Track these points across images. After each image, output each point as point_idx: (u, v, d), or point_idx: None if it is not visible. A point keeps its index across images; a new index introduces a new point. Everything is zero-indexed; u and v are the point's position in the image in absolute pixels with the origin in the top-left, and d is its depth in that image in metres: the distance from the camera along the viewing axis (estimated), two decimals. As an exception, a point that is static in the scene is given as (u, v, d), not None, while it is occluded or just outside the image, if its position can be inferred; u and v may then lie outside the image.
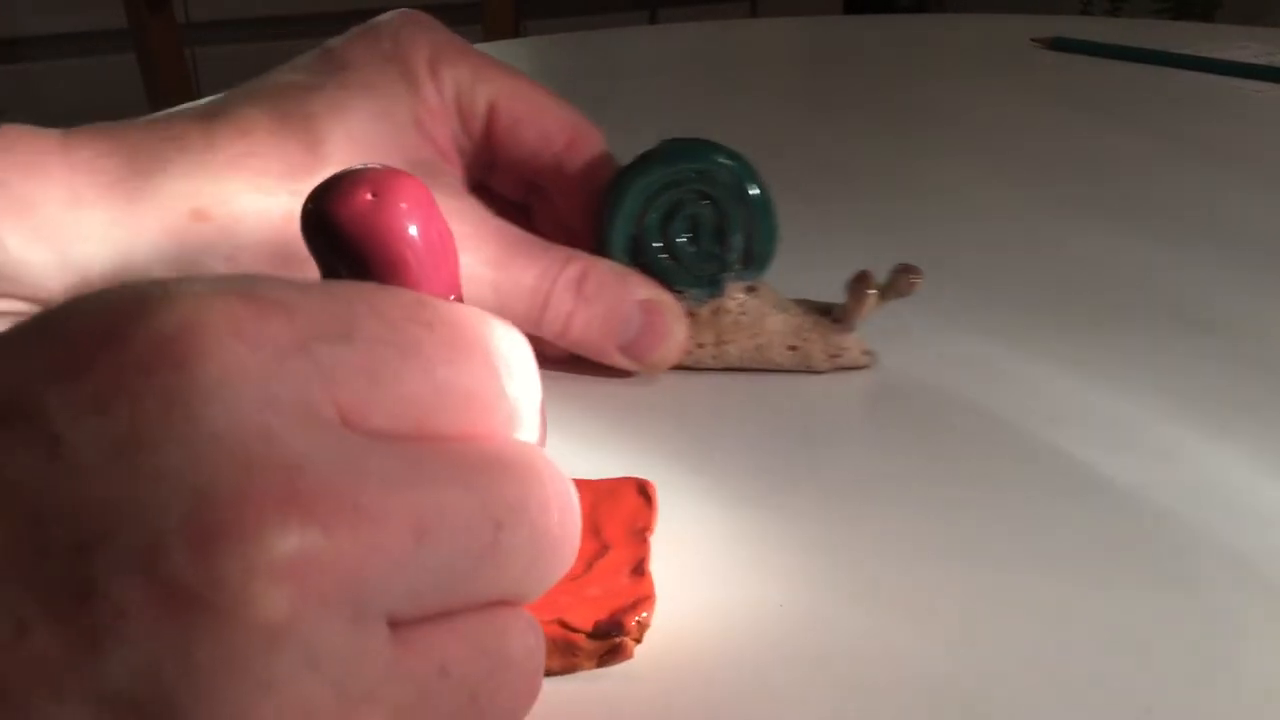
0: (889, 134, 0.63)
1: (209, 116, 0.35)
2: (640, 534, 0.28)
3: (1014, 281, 0.44)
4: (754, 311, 0.36)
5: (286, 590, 0.15)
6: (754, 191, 0.35)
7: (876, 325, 0.40)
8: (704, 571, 0.28)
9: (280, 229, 0.34)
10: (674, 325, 0.36)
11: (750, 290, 0.36)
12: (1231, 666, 0.25)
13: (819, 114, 0.69)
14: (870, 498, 0.31)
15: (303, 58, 0.38)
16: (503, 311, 0.35)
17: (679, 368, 0.37)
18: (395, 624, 0.17)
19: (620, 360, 0.36)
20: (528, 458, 0.19)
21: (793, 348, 0.36)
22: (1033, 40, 0.80)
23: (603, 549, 0.27)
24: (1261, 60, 0.72)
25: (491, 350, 0.19)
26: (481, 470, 0.18)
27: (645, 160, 0.35)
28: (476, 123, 0.38)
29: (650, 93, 0.76)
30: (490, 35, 1.29)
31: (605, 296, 0.35)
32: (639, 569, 0.26)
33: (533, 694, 0.20)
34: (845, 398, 0.36)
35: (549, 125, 0.38)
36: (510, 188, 0.40)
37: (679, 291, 0.36)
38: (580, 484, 0.28)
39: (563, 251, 0.36)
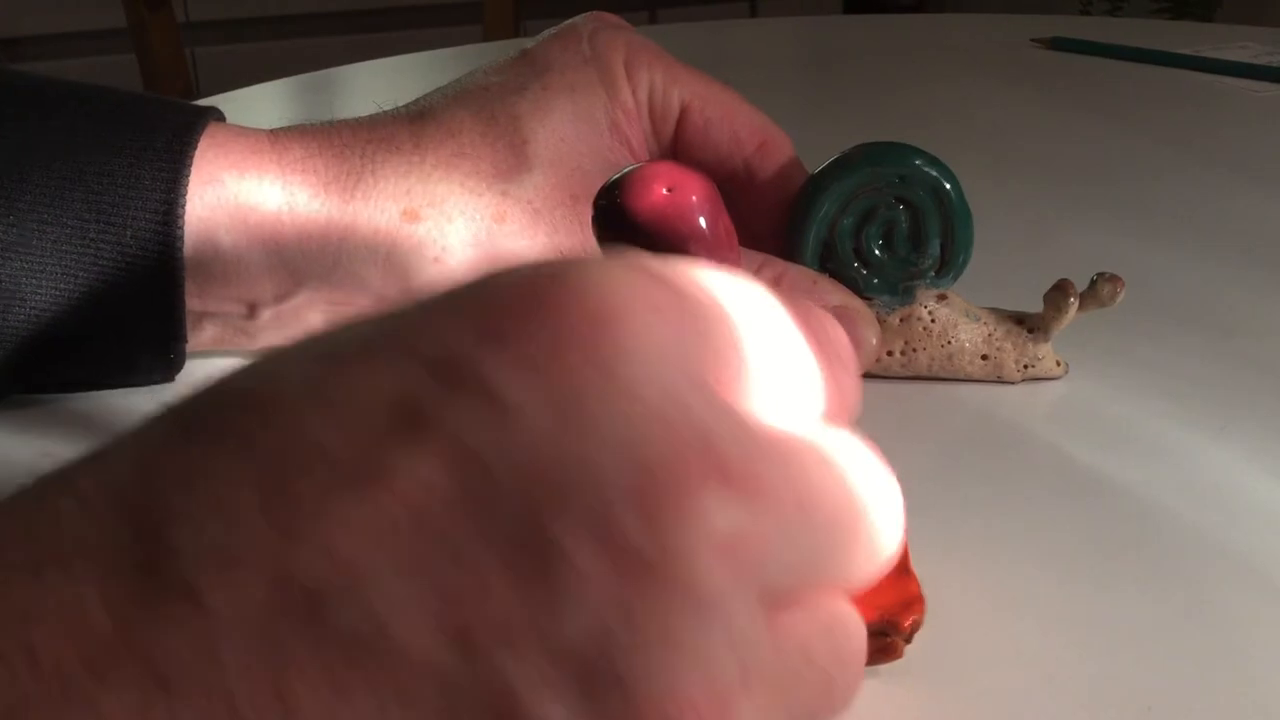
0: (888, 134, 0.63)
1: (417, 118, 0.36)
2: None
3: (1013, 281, 0.44)
4: (944, 320, 0.35)
5: (725, 565, 0.15)
6: (955, 198, 0.35)
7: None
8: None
9: (489, 228, 0.35)
10: (866, 332, 0.35)
11: (941, 298, 0.36)
12: (1232, 666, 0.25)
13: (819, 114, 0.69)
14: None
15: (502, 60, 0.38)
16: None
17: (868, 375, 0.36)
18: (768, 606, 0.17)
19: None
20: (868, 450, 0.19)
21: (985, 357, 0.36)
22: (1033, 40, 0.80)
23: None
24: (1261, 60, 0.72)
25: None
26: (844, 454, 0.18)
27: (844, 163, 0.35)
28: (668, 124, 0.38)
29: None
30: (490, 35, 1.28)
31: (799, 300, 0.35)
32: (904, 568, 0.26)
33: (861, 680, 0.20)
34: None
35: (740, 128, 0.38)
36: None
37: (868, 298, 0.36)
38: None
39: (757, 256, 0.35)
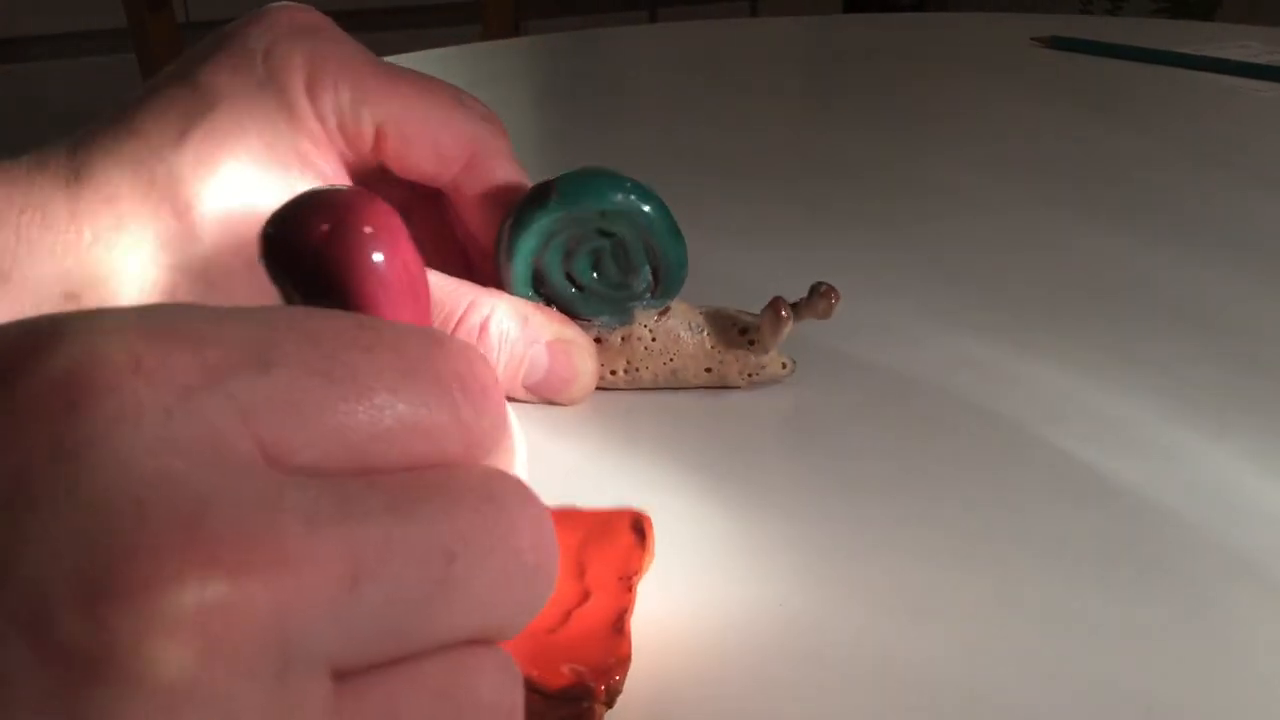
0: (889, 133, 0.63)
1: (74, 179, 0.32)
2: (628, 580, 0.26)
3: (1014, 281, 0.44)
4: (665, 337, 0.35)
5: (189, 647, 0.14)
6: (659, 226, 0.34)
7: (876, 323, 0.40)
8: (703, 571, 0.28)
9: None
10: (581, 363, 0.35)
11: (663, 314, 0.35)
12: (1232, 666, 0.25)
13: (819, 114, 0.69)
14: (870, 498, 0.31)
15: (163, 96, 0.33)
16: None
17: (609, 389, 0.36)
18: (342, 674, 0.16)
19: (529, 398, 0.35)
20: (486, 485, 0.18)
21: (708, 370, 0.36)
22: (1033, 39, 0.80)
23: (584, 596, 0.26)
24: (1261, 59, 0.72)
25: (442, 372, 0.18)
26: (427, 499, 0.17)
27: (542, 199, 0.33)
28: (365, 146, 0.35)
29: (650, 93, 0.76)
30: (490, 35, 1.29)
31: (508, 342, 0.34)
32: (619, 625, 0.25)
33: None
34: (846, 398, 0.36)
35: (444, 143, 0.35)
36: (405, 198, 0.38)
37: (586, 321, 0.35)
38: (571, 515, 0.28)
39: (465, 296, 0.34)
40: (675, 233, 0.34)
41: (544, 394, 0.35)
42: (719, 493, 0.31)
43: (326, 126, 0.34)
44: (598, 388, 0.36)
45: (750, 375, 0.36)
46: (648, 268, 0.35)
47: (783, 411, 0.36)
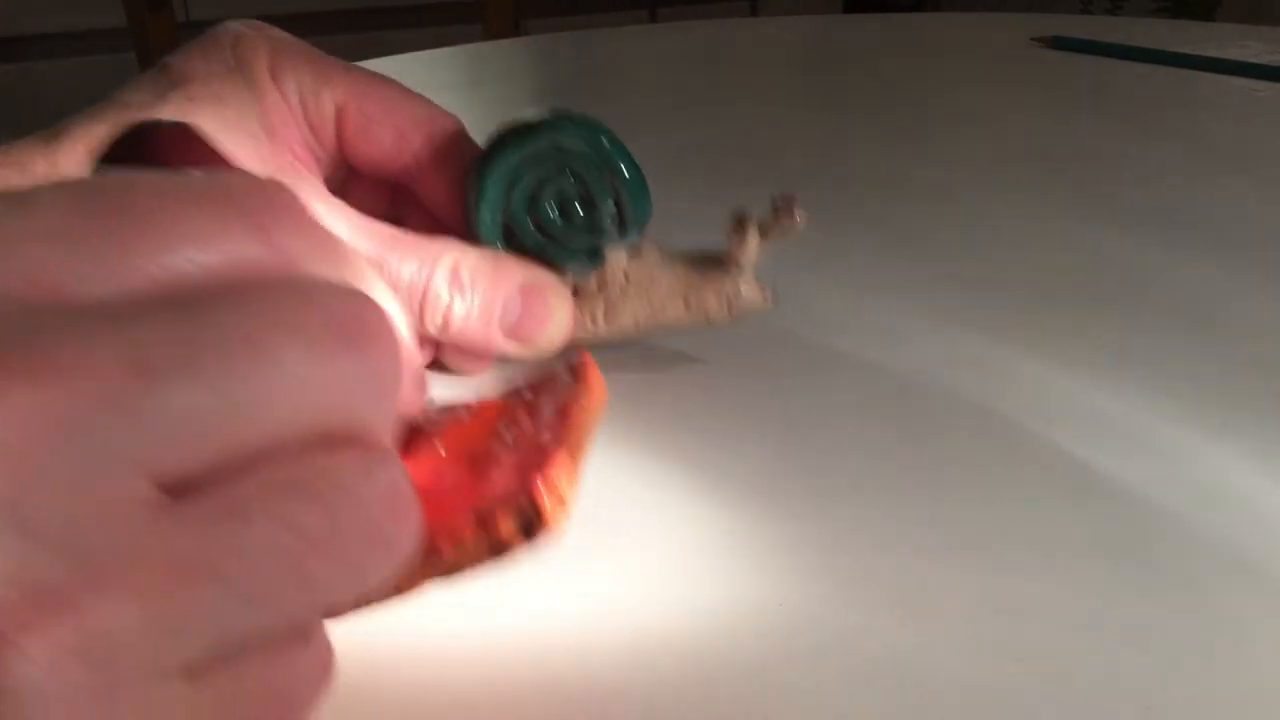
0: (889, 133, 0.63)
1: (52, 139, 0.33)
2: (562, 413, 0.25)
3: (1014, 281, 0.44)
4: (640, 275, 0.36)
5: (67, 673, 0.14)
6: (614, 154, 0.34)
7: (876, 323, 0.40)
8: (703, 571, 0.28)
9: None
10: (556, 305, 0.35)
11: (634, 254, 0.36)
12: (1232, 666, 0.25)
13: (819, 114, 0.69)
14: (870, 498, 0.31)
15: (143, 77, 0.36)
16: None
17: (581, 343, 0.36)
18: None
19: (507, 346, 0.35)
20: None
21: (686, 302, 0.36)
22: (1033, 39, 0.80)
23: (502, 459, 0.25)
24: (1262, 59, 0.72)
25: (234, 197, 0.18)
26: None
27: (498, 145, 0.34)
28: (326, 126, 0.36)
29: (650, 93, 0.76)
30: (490, 35, 1.29)
31: (481, 286, 0.35)
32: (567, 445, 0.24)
33: (323, 695, 0.19)
34: (845, 398, 0.36)
35: (403, 121, 0.36)
36: (374, 200, 0.39)
37: (560, 268, 0.36)
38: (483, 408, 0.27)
39: (438, 244, 0.35)
40: (633, 164, 0.35)
41: (521, 338, 0.35)
42: (718, 493, 0.31)
43: (290, 105, 0.35)
44: (581, 340, 0.36)
45: (730, 304, 0.36)
46: (610, 201, 0.35)
47: (782, 411, 0.36)
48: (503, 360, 0.36)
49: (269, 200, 0.18)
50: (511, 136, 0.34)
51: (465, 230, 0.36)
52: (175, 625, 0.15)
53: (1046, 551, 0.29)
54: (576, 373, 0.27)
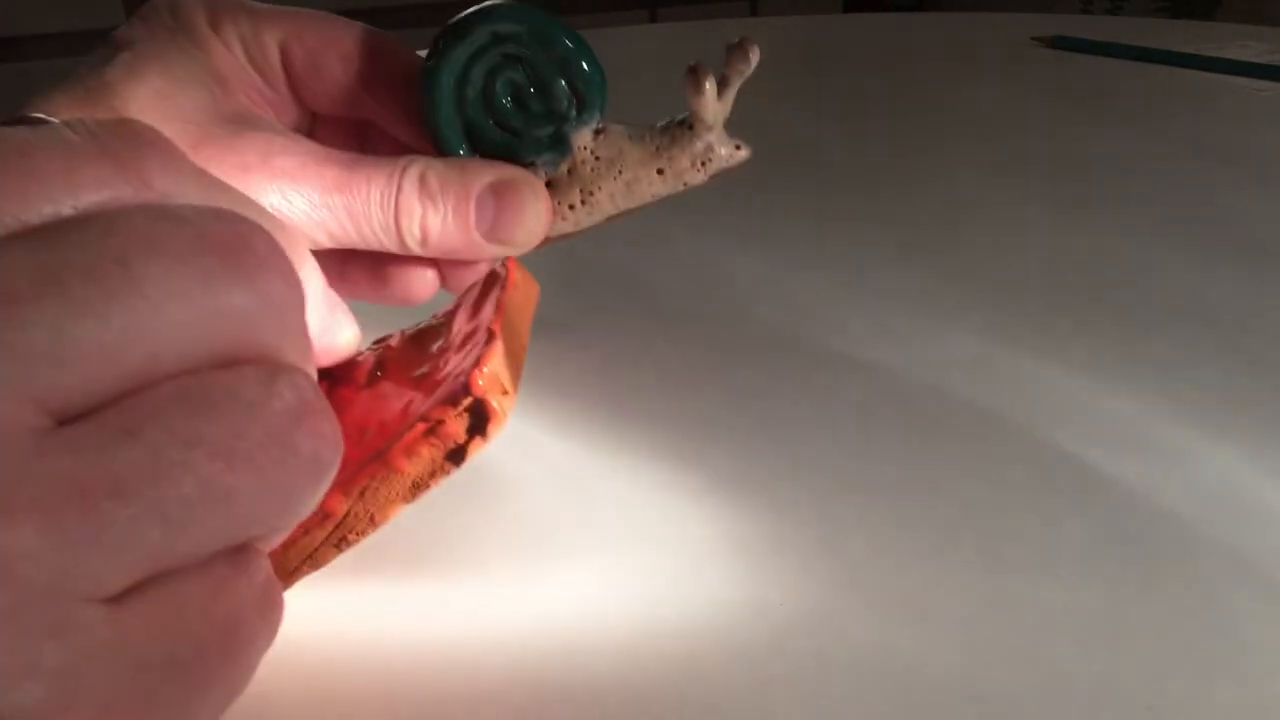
0: (889, 133, 0.63)
1: (12, 116, 0.33)
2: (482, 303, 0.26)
3: (1014, 281, 0.44)
4: (608, 152, 0.35)
5: None
6: (555, 35, 0.34)
7: (876, 323, 0.40)
8: (704, 571, 0.28)
9: None
10: (529, 198, 0.35)
11: (599, 134, 0.35)
12: (1232, 665, 0.25)
13: (819, 114, 0.69)
14: (870, 498, 0.31)
15: (94, 52, 0.36)
16: (365, 237, 0.33)
17: (565, 237, 0.35)
18: (116, 594, 0.16)
19: (491, 250, 0.35)
20: (224, 383, 0.17)
21: (660, 171, 0.35)
22: (1033, 39, 0.80)
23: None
24: (1261, 59, 0.72)
25: (202, 247, 0.17)
26: (154, 416, 0.16)
27: (439, 49, 0.34)
28: (273, 68, 0.36)
29: (650, 93, 0.76)
30: (490, 35, 1.28)
31: (451, 190, 0.35)
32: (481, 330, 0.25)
33: (270, 631, 0.18)
34: (845, 398, 0.36)
35: (347, 48, 0.36)
36: (343, 143, 0.38)
37: (529, 163, 0.35)
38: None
39: (402, 159, 0.35)
40: (579, 41, 0.34)
41: (501, 238, 0.35)
42: (717, 493, 0.31)
43: (234, 54, 0.35)
44: (563, 230, 0.36)
45: (703, 164, 0.35)
46: (561, 82, 0.35)
47: (781, 411, 0.36)
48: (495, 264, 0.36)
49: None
50: (449, 37, 0.34)
51: (434, 150, 0.36)
52: (83, 546, 0.15)
53: (1047, 551, 0.29)
54: (505, 270, 0.28)
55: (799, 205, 0.52)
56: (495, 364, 0.24)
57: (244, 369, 0.17)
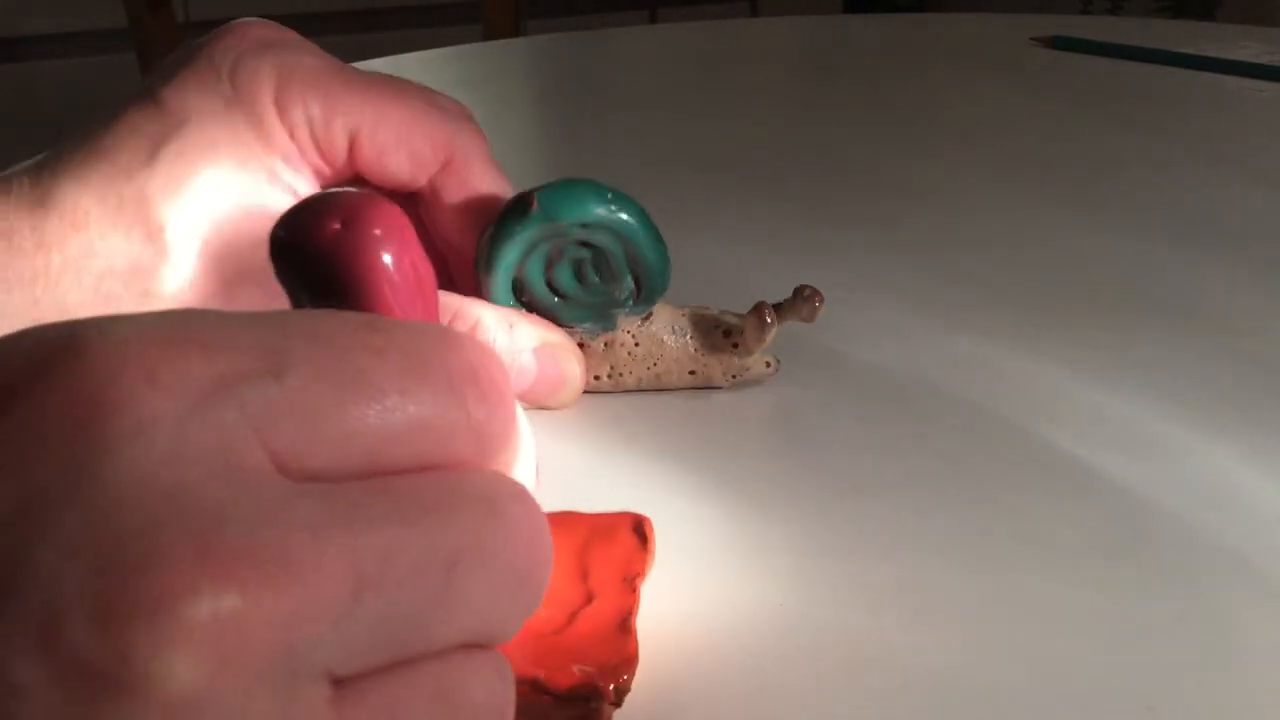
0: (888, 134, 0.63)
1: (38, 205, 0.31)
2: (631, 582, 0.26)
3: (1014, 281, 0.44)
4: (649, 341, 0.35)
5: (202, 660, 0.14)
6: (641, 234, 0.33)
7: (874, 323, 0.40)
8: (705, 572, 0.28)
9: None
10: (569, 368, 0.35)
11: (645, 318, 0.35)
12: (1232, 666, 0.25)
13: (819, 114, 0.69)
14: (870, 498, 0.31)
15: (130, 113, 0.33)
16: None
17: (592, 392, 0.36)
18: (340, 680, 0.16)
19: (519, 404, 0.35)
20: (490, 492, 0.18)
21: (692, 372, 0.36)
22: (1032, 39, 0.80)
23: (589, 598, 0.26)
24: (1261, 59, 0.72)
25: (453, 372, 0.18)
26: (432, 507, 0.17)
27: (523, 210, 0.33)
28: (337, 156, 0.34)
29: (650, 93, 0.76)
30: (490, 35, 1.29)
31: (497, 348, 0.34)
32: (625, 625, 0.25)
33: None
34: (843, 398, 0.36)
35: (420, 148, 0.34)
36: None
37: (570, 326, 0.35)
38: (573, 519, 0.28)
39: (449, 306, 0.33)
40: (657, 240, 0.34)
41: (533, 400, 0.35)
42: (718, 494, 0.31)
43: (298, 140, 0.33)
44: (583, 391, 0.36)
45: (734, 376, 0.36)
46: (630, 276, 0.34)
47: (780, 412, 0.36)
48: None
49: (473, 369, 0.18)
50: (536, 207, 0.33)
51: (473, 269, 0.35)
52: (341, 622, 0.15)
53: (1046, 551, 0.29)
54: (646, 539, 0.28)
55: (798, 205, 0.52)
56: (630, 681, 0.24)
57: (494, 475, 0.18)
